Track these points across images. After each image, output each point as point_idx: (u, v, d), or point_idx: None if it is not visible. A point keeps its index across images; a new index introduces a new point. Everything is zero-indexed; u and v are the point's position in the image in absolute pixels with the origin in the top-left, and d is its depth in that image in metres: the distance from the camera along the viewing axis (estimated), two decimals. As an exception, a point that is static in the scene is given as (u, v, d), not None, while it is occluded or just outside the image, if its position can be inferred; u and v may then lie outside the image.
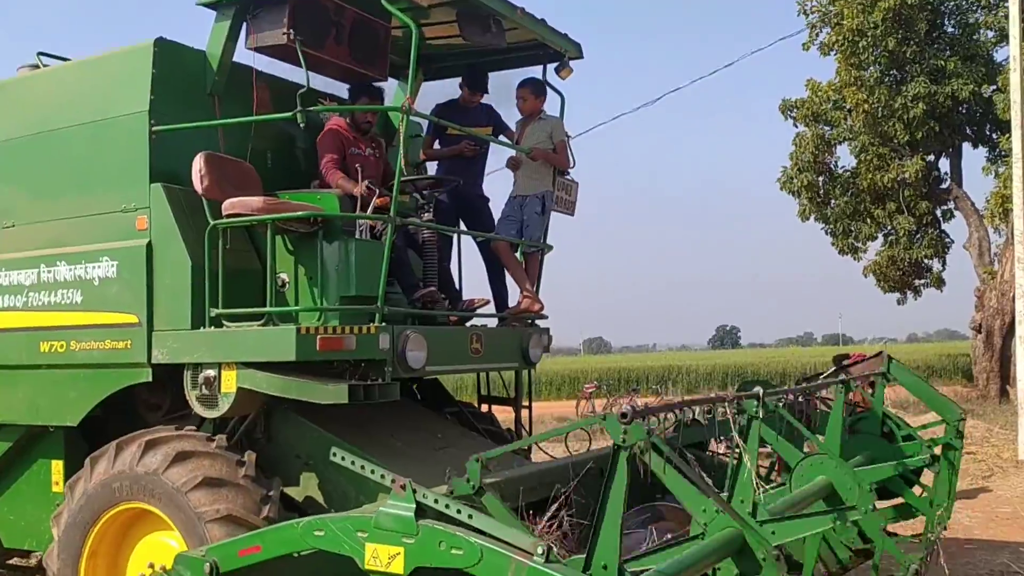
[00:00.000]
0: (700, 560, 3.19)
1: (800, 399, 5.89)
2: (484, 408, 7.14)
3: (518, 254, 6.57)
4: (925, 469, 6.10)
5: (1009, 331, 19.99)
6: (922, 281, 25.65)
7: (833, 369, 7.38)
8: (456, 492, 2.90)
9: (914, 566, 4.50)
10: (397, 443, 5.53)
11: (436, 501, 2.78)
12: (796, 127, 24.29)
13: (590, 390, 23.86)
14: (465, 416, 6.76)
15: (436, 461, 5.32)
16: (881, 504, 5.57)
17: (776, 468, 5.75)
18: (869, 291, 26.27)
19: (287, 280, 5.20)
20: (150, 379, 5.11)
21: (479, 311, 6.35)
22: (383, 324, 4.95)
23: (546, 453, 6.61)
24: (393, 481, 2.83)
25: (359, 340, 4.82)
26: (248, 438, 5.18)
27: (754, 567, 3.20)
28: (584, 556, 2.67)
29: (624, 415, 2.70)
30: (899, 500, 6.00)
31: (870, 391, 6.61)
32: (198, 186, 4.99)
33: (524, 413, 7.03)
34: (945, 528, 6.04)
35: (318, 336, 4.69)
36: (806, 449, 5.11)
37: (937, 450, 5.99)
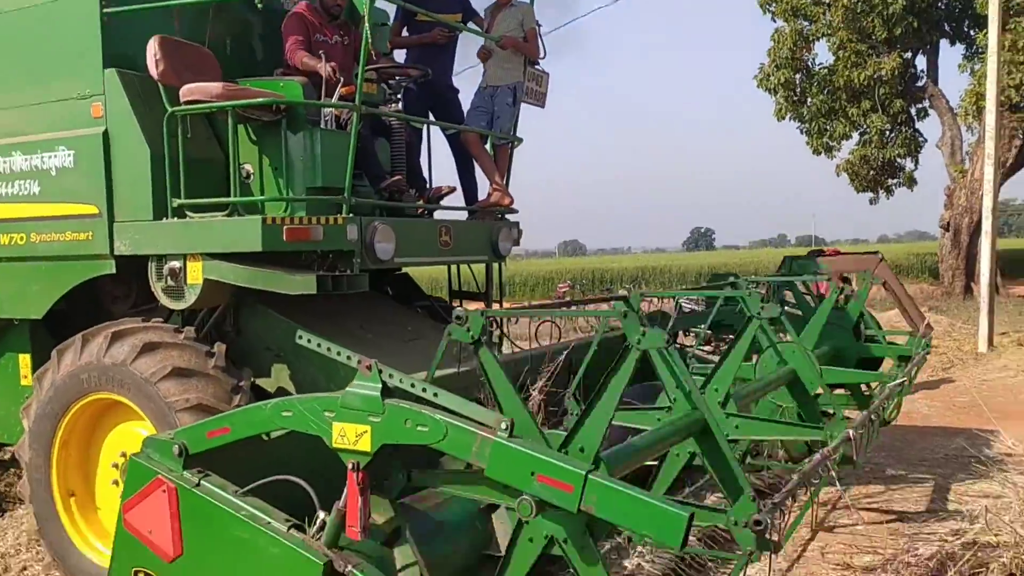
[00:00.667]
0: (663, 439, 3.26)
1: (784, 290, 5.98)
2: (455, 304, 7.14)
3: (488, 146, 6.46)
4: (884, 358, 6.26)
5: (976, 229, 20.25)
6: (894, 181, 25.74)
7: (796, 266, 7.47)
8: (454, 336, 2.89)
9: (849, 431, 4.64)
10: (367, 335, 5.53)
11: (401, 381, 2.77)
12: (775, 22, 23.90)
13: (563, 289, 24.35)
14: (436, 310, 6.74)
15: (406, 352, 5.34)
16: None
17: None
18: (842, 192, 26.44)
19: (251, 171, 5.07)
20: (114, 271, 5.03)
21: (448, 205, 6.28)
22: (350, 215, 4.87)
23: (523, 342, 6.69)
24: (359, 362, 2.81)
25: (326, 231, 4.75)
26: (217, 331, 5.14)
27: (714, 447, 3.27)
28: (564, 433, 2.70)
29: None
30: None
31: (849, 286, 6.73)
32: (153, 71, 4.80)
33: (495, 308, 7.05)
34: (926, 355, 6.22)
35: (284, 227, 4.61)
36: (779, 336, 5.22)
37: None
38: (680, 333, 7.02)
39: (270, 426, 2.99)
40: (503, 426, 2.54)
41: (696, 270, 39.46)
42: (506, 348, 6.65)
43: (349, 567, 2.61)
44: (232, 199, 4.76)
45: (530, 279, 36.24)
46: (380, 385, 2.71)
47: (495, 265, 6.79)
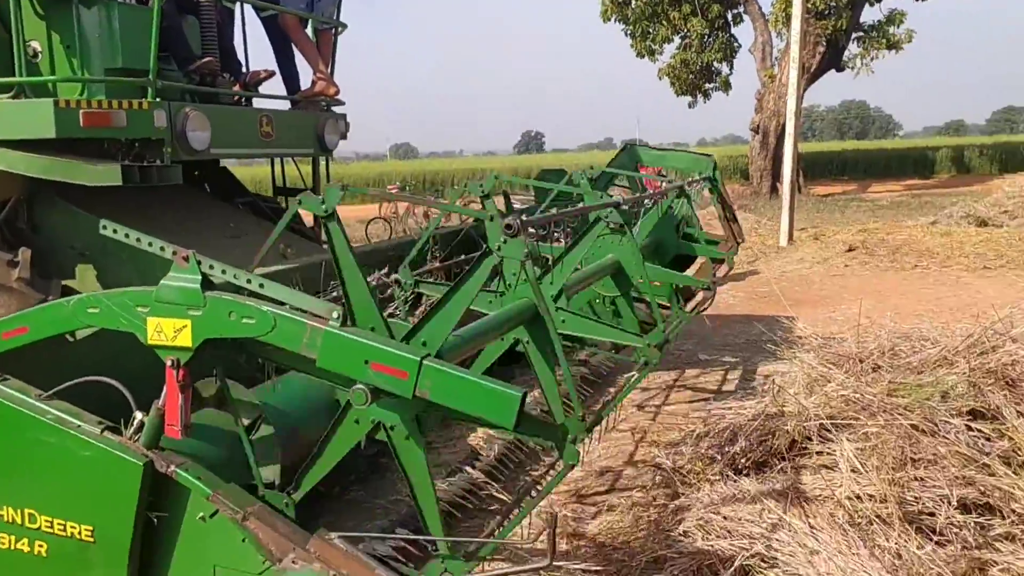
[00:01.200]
0: (497, 327, 3.30)
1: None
2: (280, 201, 6.87)
3: (309, 31, 6.14)
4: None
5: (783, 132, 21.47)
6: (711, 85, 26.83)
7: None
8: (304, 205, 2.69)
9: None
10: (184, 232, 5.24)
11: (224, 272, 2.59)
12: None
13: (392, 191, 23.84)
14: (259, 206, 6.47)
15: (229, 249, 5.10)
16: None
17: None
18: (664, 96, 27.30)
19: (39, 49, 4.58)
20: None
21: (267, 92, 5.97)
22: (157, 100, 4.53)
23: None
24: (175, 253, 2.59)
25: (130, 116, 4.39)
26: (10, 229, 4.72)
27: (543, 333, 3.36)
28: (409, 325, 2.66)
29: (510, 227, 2.61)
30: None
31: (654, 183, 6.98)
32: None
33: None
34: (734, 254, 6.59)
35: (81, 110, 4.22)
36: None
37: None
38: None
39: (74, 324, 2.76)
40: (335, 315, 2.44)
41: (526, 171, 39.92)
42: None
43: (172, 467, 2.48)
44: (18, 79, 4.31)
45: (359, 181, 35.44)
46: (199, 277, 2.53)
47: (321, 159, 6.56)
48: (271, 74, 5.88)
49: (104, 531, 2.55)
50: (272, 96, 6.03)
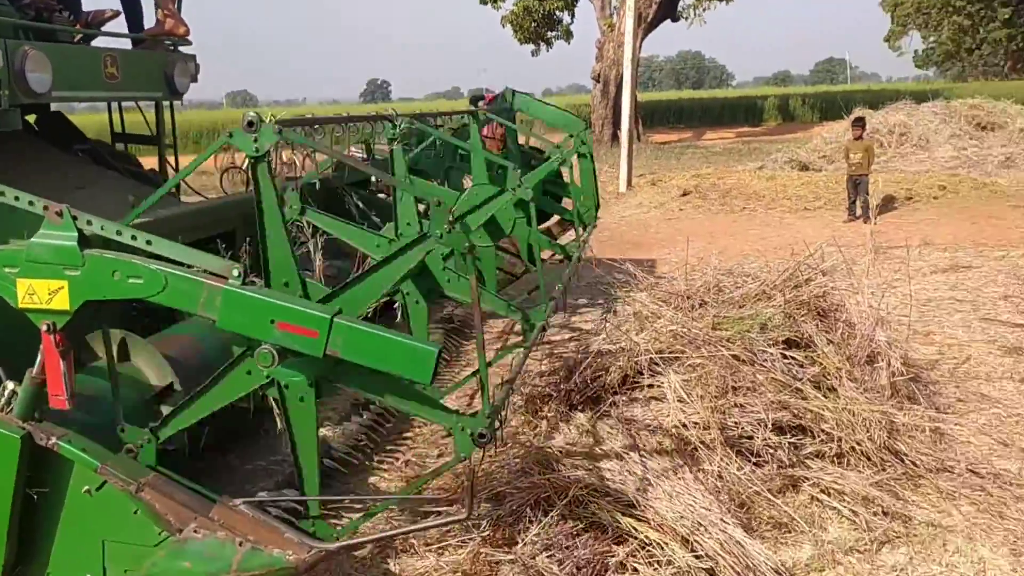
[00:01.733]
0: (389, 278, 3.21)
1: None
2: (120, 147, 6.40)
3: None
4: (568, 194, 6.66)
5: (623, 81, 21.96)
6: (553, 33, 27.07)
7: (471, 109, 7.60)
8: (234, 141, 2.41)
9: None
10: (27, 184, 4.78)
11: (103, 228, 2.38)
12: None
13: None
14: (99, 155, 5.99)
15: (73, 201, 4.71)
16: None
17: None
18: (508, 45, 27.25)
19: None
20: None
21: (110, 29, 5.48)
22: (-12, 36, 4.08)
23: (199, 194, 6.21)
24: (46, 208, 2.35)
25: (-45, 53, 3.94)
26: None
27: (431, 282, 3.32)
28: (327, 289, 2.55)
29: (250, 123, 2.40)
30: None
31: (501, 129, 6.96)
32: None
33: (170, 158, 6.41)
34: (595, 227, 6.72)
35: None
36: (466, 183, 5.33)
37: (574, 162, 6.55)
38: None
39: None
40: (235, 272, 2.29)
41: (370, 120, 39.13)
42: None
43: (53, 439, 2.31)
44: None
45: (192, 130, 33.64)
46: (75, 233, 2.33)
47: (167, 104, 6.13)
48: (116, 14, 5.41)
49: None
50: (114, 34, 5.54)
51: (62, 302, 2.33)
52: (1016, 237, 9.50)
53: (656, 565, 2.94)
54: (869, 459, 3.72)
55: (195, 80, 6.03)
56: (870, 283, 5.18)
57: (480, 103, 8.79)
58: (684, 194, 13.19)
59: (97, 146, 6.08)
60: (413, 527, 2.56)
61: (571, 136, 6.55)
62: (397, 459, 4.11)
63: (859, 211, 11.08)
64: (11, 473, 2.28)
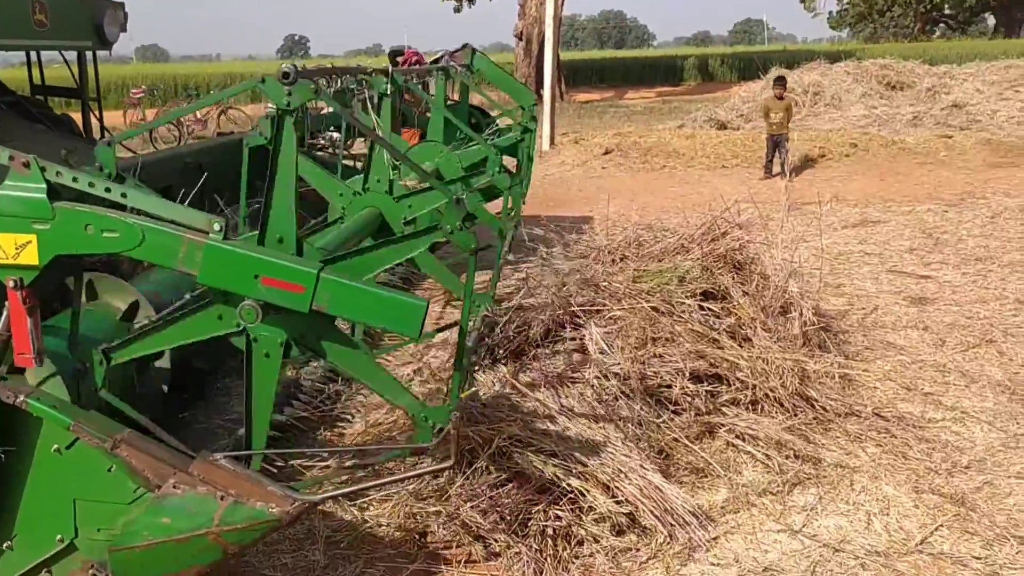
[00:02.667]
0: (346, 239, 3.14)
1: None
2: (39, 99, 6.10)
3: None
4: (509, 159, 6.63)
5: (545, 39, 21.87)
6: (478, -11, 26.69)
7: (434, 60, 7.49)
8: (268, 90, 2.36)
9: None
10: None
11: (76, 180, 2.27)
12: None
13: (138, 96, 21.82)
14: (24, 107, 5.69)
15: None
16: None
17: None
18: (432, 3, 26.78)
19: None
20: None
21: None
22: None
23: (129, 149, 5.96)
24: (11, 158, 2.22)
25: None
26: None
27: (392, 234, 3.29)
28: (256, 233, 2.45)
29: (286, 75, 2.35)
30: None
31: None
32: None
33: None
34: (525, 203, 6.75)
35: None
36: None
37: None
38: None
39: None
40: (216, 227, 2.22)
41: (289, 77, 38.24)
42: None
43: (21, 397, 2.21)
44: None
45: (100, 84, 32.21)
46: (44, 185, 2.21)
47: (91, 54, 5.84)
48: None
49: None
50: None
51: (30, 257, 2.24)
52: (921, 193, 9.87)
53: (579, 512, 3.00)
54: (782, 405, 3.85)
55: (124, 30, 5.81)
56: (784, 237, 5.33)
57: (399, 59, 8.66)
58: (606, 152, 13.27)
59: (22, 100, 5.81)
60: (399, 476, 2.55)
61: (522, 109, 6.57)
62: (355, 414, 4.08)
63: (777, 168, 11.24)
64: None
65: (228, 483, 2.15)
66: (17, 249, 2.23)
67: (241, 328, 2.34)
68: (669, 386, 3.79)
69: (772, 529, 3.13)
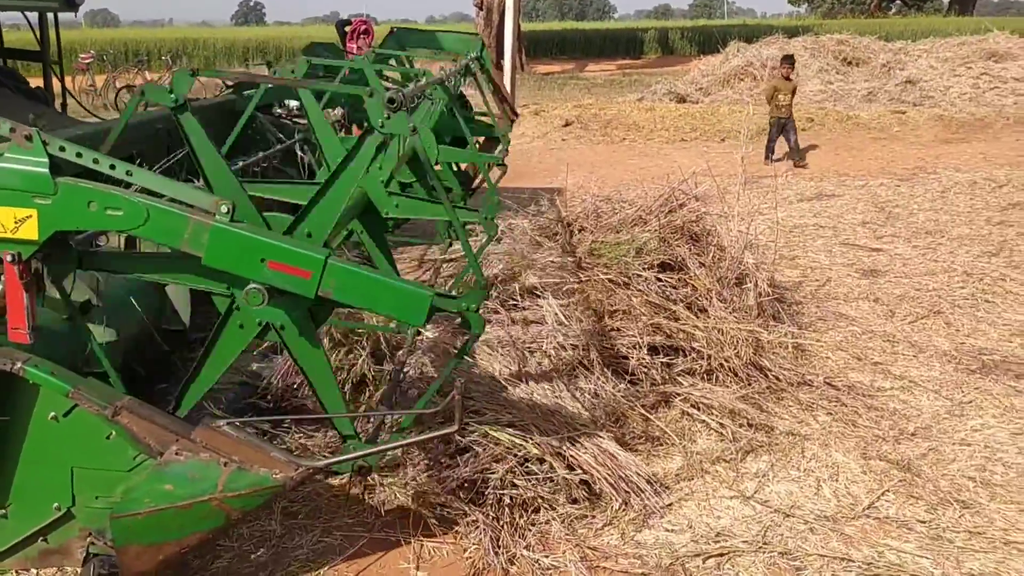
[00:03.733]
0: (342, 195, 3.12)
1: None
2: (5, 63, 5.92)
3: None
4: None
5: (506, 9, 21.68)
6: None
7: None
8: (148, 95, 2.34)
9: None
10: None
11: (80, 155, 2.24)
12: None
13: (87, 61, 21.15)
14: None
15: None
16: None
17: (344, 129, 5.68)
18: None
19: None
20: None
21: None
22: None
23: (93, 113, 5.80)
24: (13, 130, 2.19)
25: None
26: None
27: (378, 220, 3.34)
28: (289, 217, 2.48)
29: (392, 101, 2.38)
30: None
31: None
32: None
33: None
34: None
35: None
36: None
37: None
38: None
39: None
40: (224, 209, 2.22)
41: (244, 44, 37.45)
42: None
43: (19, 364, 2.20)
44: None
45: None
46: (47, 159, 2.19)
47: (52, 16, 5.66)
48: None
49: None
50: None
51: (30, 231, 2.23)
52: (875, 167, 10.03)
53: (535, 479, 3.02)
54: (736, 375, 3.91)
55: None
56: (740, 210, 5.37)
57: (347, 28, 8.49)
58: (566, 124, 13.25)
59: None
60: (405, 441, 2.59)
61: (468, 56, 6.38)
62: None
63: (778, 154, 10.46)
64: None
65: (231, 449, 2.16)
66: (16, 223, 2.22)
67: (263, 324, 2.39)
68: (627, 357, 3.83)
69: (725, 495, 3.19)
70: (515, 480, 3.00)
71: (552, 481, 3.03)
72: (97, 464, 2.28)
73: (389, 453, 3.02)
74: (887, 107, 14.28)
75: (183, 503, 2.13)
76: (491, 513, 2.91)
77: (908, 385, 4.14)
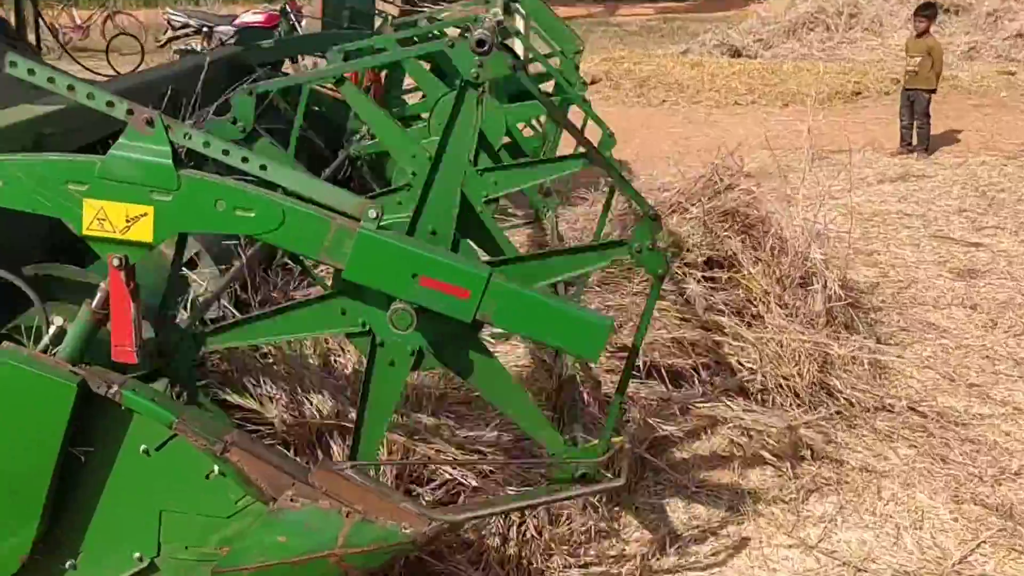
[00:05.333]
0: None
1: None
2: None
3: None
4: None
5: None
6: None
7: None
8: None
9: None
10: None
11: (208, 145, 2.31)
12: None
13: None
14: None
15: None
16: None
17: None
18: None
19: None
20: None
21: None
22: None
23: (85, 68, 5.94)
24: (130, 112, 2.24)
25: None
26: None
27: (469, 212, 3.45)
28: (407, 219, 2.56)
29: (481, 43, 2.43)
30: None
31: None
32: None
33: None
34: None
35: None
36: None
37: None
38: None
39: None
40: (372, 213, 2.27)
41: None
42: None
43: (115, 387, 2.20)
44: None
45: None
46: (169, 148, 2.24)
47: None
48: None
49: (2, 481, 2.22)
50: None
51: (142, 232, 2.27)
52: (975, 142, 10.03)
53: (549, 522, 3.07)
54: (798, 396, 3.94)
55: None
56: (806, 192, 5.41)
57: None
58: (593, 82, 13.28)
59: None
60: (558, 496, 2.66)
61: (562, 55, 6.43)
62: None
63: (915, 140, 9.59)
64: (60, 429, 2.17)
65: (354, 497, 2.18)
66: (128, 222, 2.26)
67: (366, 329, 2.45)
68: (661, 373, 3.88)
69: (783, 543, 3.23)
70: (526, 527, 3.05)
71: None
72: (192, 508, 2.28)
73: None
74: (993, 66, 14.26)
75: (298, 558, 2.15)
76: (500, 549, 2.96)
77: (1012, 412, 4.17)
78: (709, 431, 3.80)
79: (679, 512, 3.27)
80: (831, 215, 6.21)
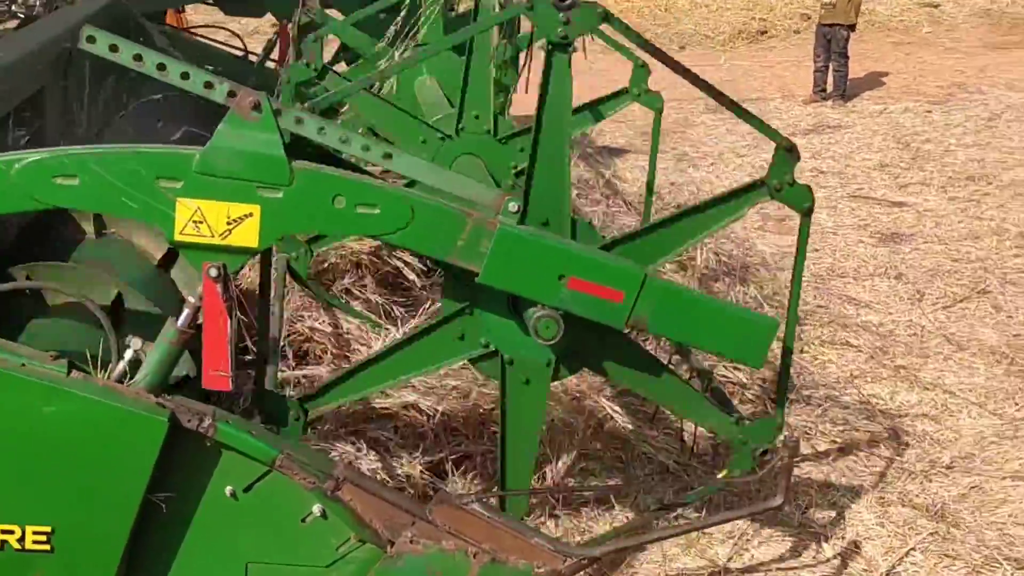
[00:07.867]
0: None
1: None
2: None
3: None
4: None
5: None
6: None
7: None
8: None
9: None
10: None
11: (323, 131, 2.26)
12: None
13: None
14: None
15: None
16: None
17: None
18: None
19: None
20: None
21: None
22: None
23: None
24: (231, 94, 2.17)
25: None
26: None
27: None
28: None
29: None
30: None
31: None
32: None
33: None
34: None
35: None
36: None
37: None
38: None
39: (20, 203, 2.21)
40: (512, 207, 2.29)
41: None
42: None
43: (208, 420, 2.19)
44: None
45: None
46: (278, 138, 2.17)
47: None
48: None
49: (75, 531, 2.21)
50: None
51: (246, 236, 2.22)
52: (896, 86, 10.31)
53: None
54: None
55: None
56: (707, 150, 5.48)
57: None
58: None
59: None
60: (711, 520, 2.86)
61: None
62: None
63: (831, 85, 9.82)
64: (145, 470, 2.17)
65: (481, 535, 2.25)
66: (229, 224, 2.22)
67: (492, 349, 2.53)
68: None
69: (689, 566, 3.26)
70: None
71: None
72: (285, 558, 2.31)
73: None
74: (914, -1, 14.65)
75: None
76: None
77: (942, 397, 4.28)
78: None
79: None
80: (736, 174, 6.32)
